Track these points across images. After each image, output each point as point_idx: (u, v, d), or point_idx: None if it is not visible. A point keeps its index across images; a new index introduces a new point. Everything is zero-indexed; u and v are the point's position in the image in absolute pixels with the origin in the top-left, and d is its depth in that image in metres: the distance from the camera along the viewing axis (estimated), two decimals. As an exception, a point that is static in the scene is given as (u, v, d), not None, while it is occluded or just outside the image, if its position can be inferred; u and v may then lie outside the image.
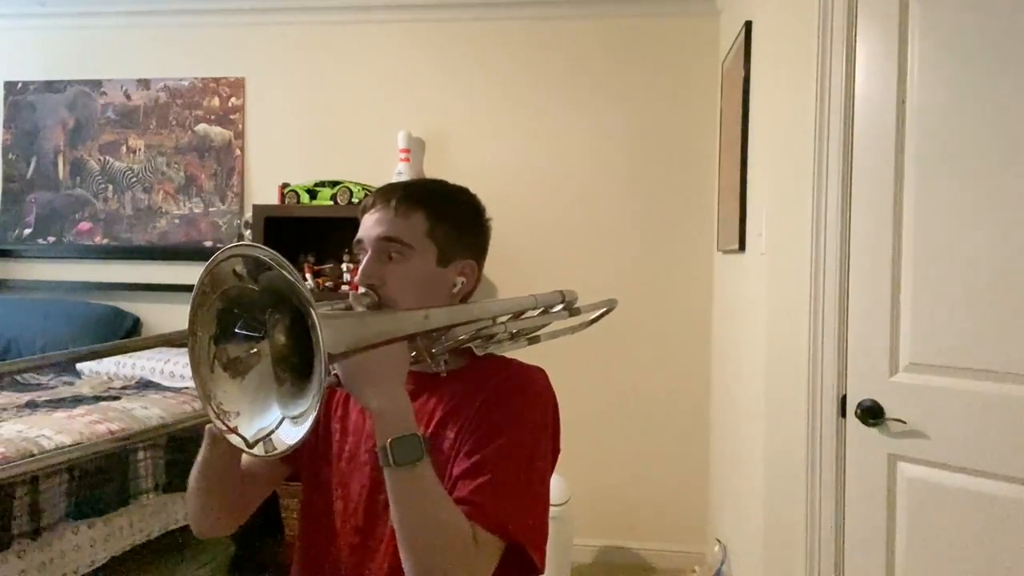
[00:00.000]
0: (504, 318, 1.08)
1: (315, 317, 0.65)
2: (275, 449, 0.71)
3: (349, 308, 0.95)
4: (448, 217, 1.03)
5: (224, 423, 0.74)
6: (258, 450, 0.72)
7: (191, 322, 0.75)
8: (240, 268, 0.71)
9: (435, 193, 1.06)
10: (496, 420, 0.95)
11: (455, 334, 1.00)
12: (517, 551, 0.90)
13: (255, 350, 0.76)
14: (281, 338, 0.76)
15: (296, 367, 0.74)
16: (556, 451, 1.04)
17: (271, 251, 0.68)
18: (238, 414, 0.74)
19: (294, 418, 0.71)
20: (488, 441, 0.94)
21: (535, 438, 0.98)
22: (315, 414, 0.67)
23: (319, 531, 1.05)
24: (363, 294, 0.97)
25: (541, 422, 1.00)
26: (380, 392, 0.83)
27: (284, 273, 0.67)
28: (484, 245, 1.10)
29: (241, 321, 0.76)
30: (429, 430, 0.99)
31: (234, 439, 0.73)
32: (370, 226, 1.01)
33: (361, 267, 0.99)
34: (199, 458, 0.99)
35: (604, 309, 1.31)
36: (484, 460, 0.92)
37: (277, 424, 0.72)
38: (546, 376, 1.05)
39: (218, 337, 0.75)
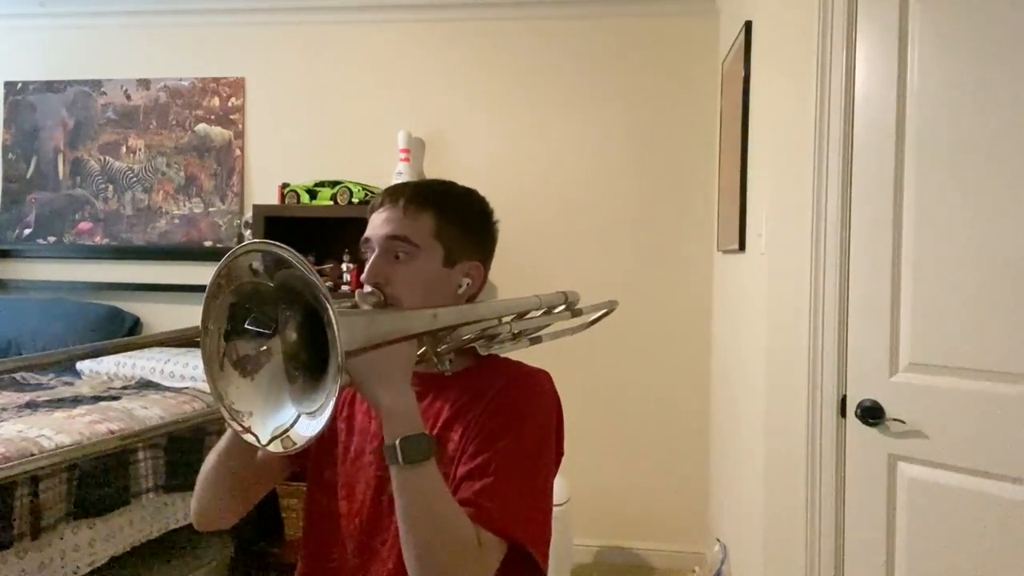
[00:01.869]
0: (508, 318, 1.08)
1: (333, 314, 0.66)
2: (294, 444, 0.71)
3: (355, 307, 0.96)
4: (456, 218, 1.03)
5: (239, 423, 0.74)
6: (275, 447, 0.72)
7: (204, 315, 0.75)
8: (257, 264, 0.72)
9: (444, 194, 1.06)
10: (501, 422, 0.95)
11: (460, 333, 1.00)
12: (520, 552, 0.90)
13: (265, 348, 0.76)
14: (293, 335, 0.76)
15: (308, 365, 0.75)
16: (560, 454, 1.04)
17: (291, 249, 0.68)
18: (251, 414, 0.74)
19: (310, 413, 0.72)
20: (492, 443, 0.94)
21: (539, 440, 0.98)
22: (332, 407, 0.68)
23: (324, 531, 1.06)
24: (369, 293, 0.97)
25: (545, 424, 1.00)
26: (389, 390, 0.83)
27: (304, 272, 0.67)
28: (491, 247, 1.10)
29: (252, 317, 0.76)
30: (435, 431, 0.99)
31: (249, 438, 0.73)
32: (378, 225, 1.01)
33: (368, 266, 0.99)
34: (220, 446, 1.00)
35: (605, 310, 1.31)
36: (488, 462, 0.92)
37: (293, 421, 0.73)
38: (550, 379, 1.05)
39: (229, 332, 0.76)
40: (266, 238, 2.88)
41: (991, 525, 1.45)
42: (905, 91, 1.57)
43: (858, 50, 1.66)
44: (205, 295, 0.74)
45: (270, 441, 0.72)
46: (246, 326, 0.76)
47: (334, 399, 0.68)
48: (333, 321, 0.66)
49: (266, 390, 0.75)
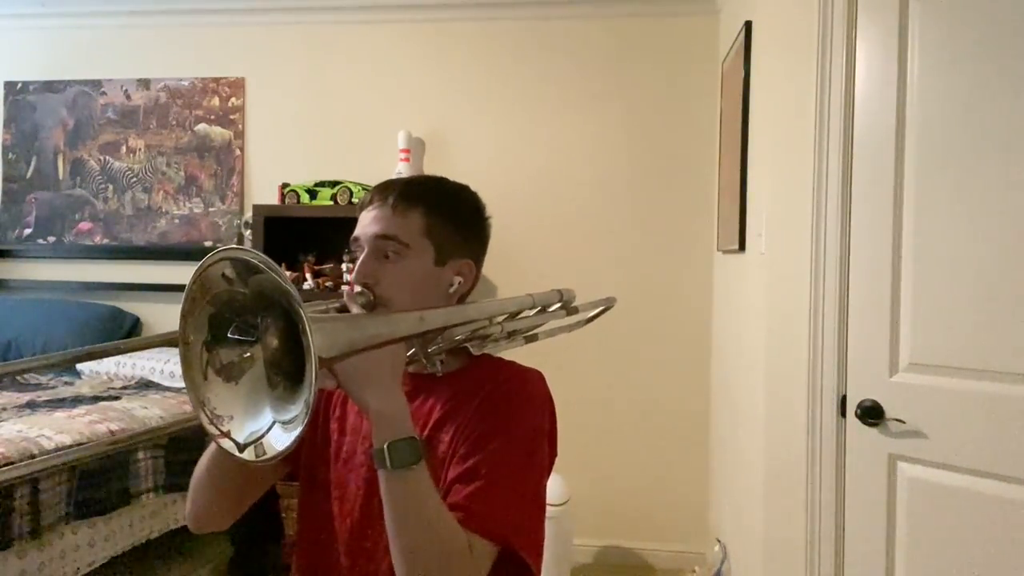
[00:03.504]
0: (501, 318, 1.07)
1: (305, 321, 0.64)
2: (265, 454, 0.70)
3: (344, 307, 0.94)
4: (447, 216, 1.01)
5: (217, 427, 0.73)
6: (248, 455, 0.71)
7: (182, 328, 0.74)
8: (229, 272, 0.70)
9: (434, 191, 1.04)
10: (492, 424, 0.94)
11: (452, 334, 0.99)
12: (512, 557, 0.89)
13: (248, 354, 0.75)
14: (274, 342, 0.74)
15: (289, 371, 0.73)
16: (553, 456, 1.02)
17: (260, 254, 0.67)
18: (231, 418, 0.73)
19: (285, 423, 0.70)
20: (483, 445, 0.92)
21: (531, 442, 0.96)
22: (305, 420, 0.66)
23: (317, 531, 1.05)
24: (358, 293, 0.95)
25: (538, 426, 0.98)
26: (378, 394, 0.82)
27: (274, 276, 0.66)
28: (483, 244, 1.08)
29: (233, 325, 0.75)
30: (425, 433, 0.97)
31: (226, 443, 0.72)
32: (367, 224, 0.99)
33: (357, 265, 0.98)
34: (209, 451, 0.99)
35: (602, 307, 1.30)
36: (479, 465, 0.91)
37: (267, 428, 0.71)
38: (543, 379, 1.03)
39: (210, 342, 0.75)
40: (266, 238, 2.91)
41: (991, 525, 1.44)
42: (905, 91, 1.57)
43: (858, 50, 1.66)
44: (181, 311, 0.73)
45: (243, 447, 0.71)
46: (228, 335, 0.75)
47: (309, 408, 0.66)
48: (307, 328, 0.64)
49: (247, 395, 0.74)
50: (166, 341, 0.88)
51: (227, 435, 0.73)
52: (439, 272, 1.01)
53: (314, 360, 0.64)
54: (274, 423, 0.71)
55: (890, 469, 1.59)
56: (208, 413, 0.73)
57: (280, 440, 0.70)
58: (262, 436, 0.71)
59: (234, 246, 0.70)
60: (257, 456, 0.71)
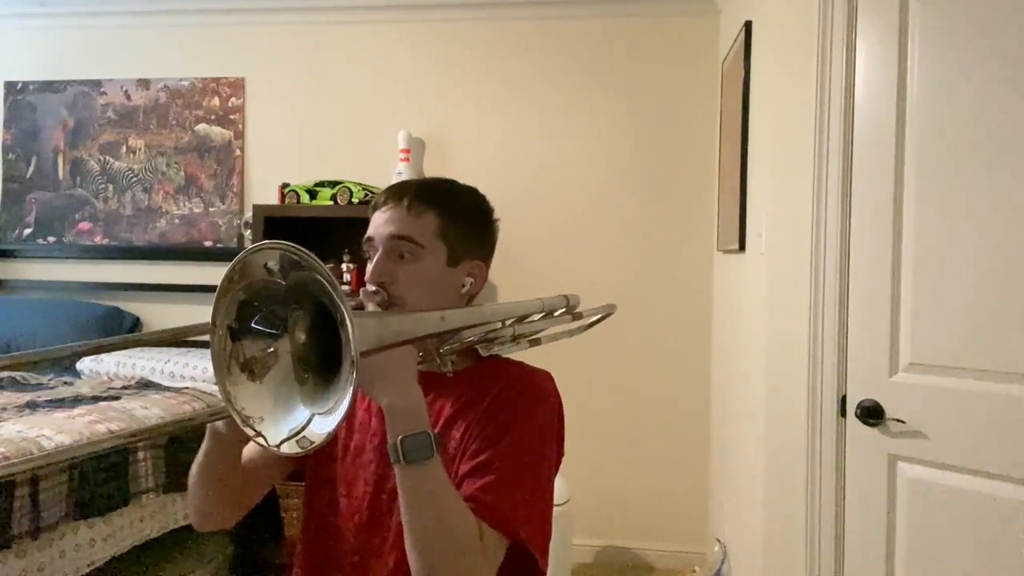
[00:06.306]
0: (510, 320, 1.08)
1: (347, 314, 0.66)
2: (311, 444, 0.71)
3: (360, 306, 0.96)
4: (459, 217, 1.03)
5: (251, 427, 0.74)
6: (290, 448, 0.72)
7: (214, 311, 0.75)
8: (273, 263, 0.71)
9: (447, 193, 1.06)
10: (503, 421, 0.96)
11: (463, 335, 1.00)
12: (520, 551, 0.90)
13: (272, 349, 0.76)
14: (302, 336, 0.76)
15: (316, 367, 0.74)
16: (560, 454, 1.04)
17: (311, 254, 0.68)
18: (261, 419, 0.74)
19: (323, 413, 0.72)
20: (494, 441, 0.94)
21: (541, 440, 0.98)
22: (347, 405, 0.67)
23: (323, 528, 1.06)
24: (373, 292, 0.97)
25: (547, 424, 1.00)
26: (393, 389, 0.83)
27: (320, 272, 0.67)
28: (492, 246, 1.11)
29: (260, 316, 0.76)
30: (436, 429, 0.98)
31: (261, 441, 0.73)
32: (381, 224, 1.01)
33: (372, 265, 1.00)
34: (201, 452, 1.00)
35: (602, 314, 1.32)
36: (490, 460, 0.92)
37: (307, 421, 0.72)
38: (552, 380, 1.05)
39: (236, 331, 0.75)
40: (265, 238, 2.90)
41: (991, 525, 1.45)
42: (905, 91, 1.57)
43: (858, 50, 1.66)
44: (217, 290, 0.74)
45: (283, 442, 0.72)
46: (253, 325, 0.76)
47: (348, 397, 0.67)
48: (348, 321, 0.66)
49: (275, 393, 0.75)
50: (170, 338, 0.88)
51: (260, 435, 0.74)
52: (452, 272, 1.03)
53: (355, 353, 0.66)
54: (312, 415, 0.73)
55: (890, 469, 1.60)
56: (238, 412, 0.74)
57: (323, 426, 0.71)
58: (302, 429, 0.72)
59: (287, 243, 0.70)
60: (302, 448, 0.72)
